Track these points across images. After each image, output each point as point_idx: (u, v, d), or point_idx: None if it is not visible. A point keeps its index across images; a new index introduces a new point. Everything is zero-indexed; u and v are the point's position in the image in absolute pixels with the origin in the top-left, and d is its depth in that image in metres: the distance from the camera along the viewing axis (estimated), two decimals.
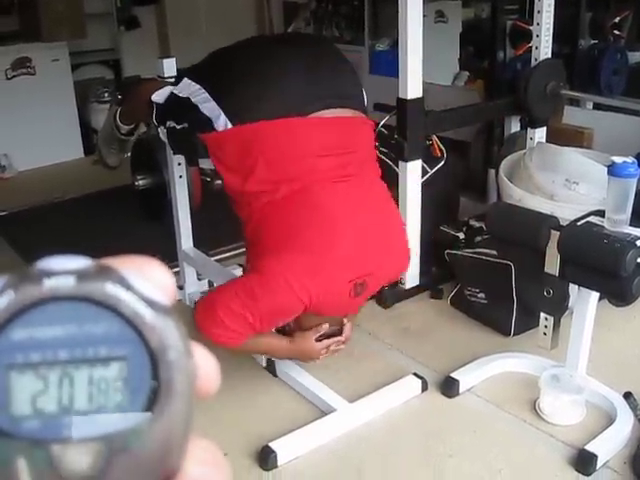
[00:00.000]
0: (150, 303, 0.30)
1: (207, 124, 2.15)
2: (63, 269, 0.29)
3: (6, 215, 4.19)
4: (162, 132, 2.33)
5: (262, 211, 2.16)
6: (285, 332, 2.35)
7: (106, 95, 5.40)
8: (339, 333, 2.36)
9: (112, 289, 0.29)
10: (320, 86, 2.24)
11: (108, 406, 0.29)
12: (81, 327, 0.29)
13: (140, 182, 3.53)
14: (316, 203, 2.14)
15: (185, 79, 2.25)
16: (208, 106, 2.15)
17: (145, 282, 0.30)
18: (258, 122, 2.11)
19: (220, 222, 3.03)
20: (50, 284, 0.29)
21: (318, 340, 2.32)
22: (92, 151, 5.34)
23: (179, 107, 2.25)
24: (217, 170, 2.22)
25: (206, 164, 2.24)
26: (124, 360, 0.29)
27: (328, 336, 2.34)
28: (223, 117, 2.12)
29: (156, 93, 2.31)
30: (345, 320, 2.36)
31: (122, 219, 3.89)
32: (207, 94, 2.16)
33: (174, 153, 2.35)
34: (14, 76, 5.00)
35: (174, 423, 0.30)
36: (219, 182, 2.21)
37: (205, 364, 0.32)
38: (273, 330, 2.29)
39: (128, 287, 0.30)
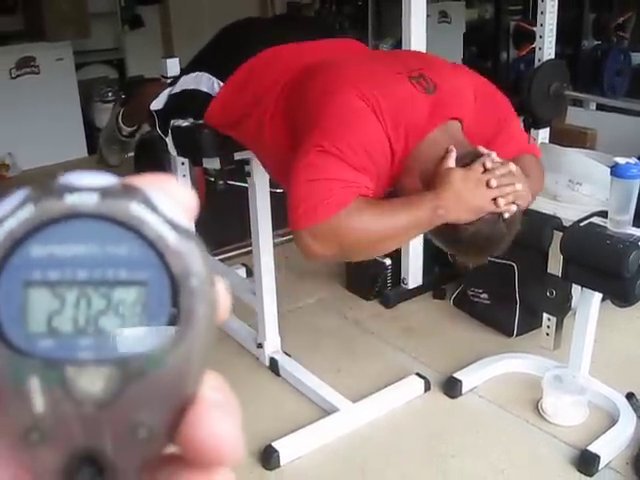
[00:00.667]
0: (175, 226, 0.28)
1: (207, 100, 2.10)
2: (87, 185, 0.28)
3: None
4: (170, 143, 2.31)
5: (276, 105, 1.86)
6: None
7: (110, 94, 5.41)
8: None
9: (137, 209, 0.28)
10: (304, 31, 2.20)
11: (125, 330, 0.28)
12: (102, 247, 0.28)
13: None
14: (324, 68, 1.85)
15: (182, 77, 2.24)
16: (204, 81, 2.11)
17: (171, 204, 0.29)
18: (243, 65, 2.01)
19: (224, 222, 3.05)
20: (72, 200, 0.28)
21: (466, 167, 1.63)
22: (96, 150, 5.34)
23: (179, 103, 2.24)
24: (234, 139, 2.05)
25: (210, 164, 2.24)
26: (144, 284, 0.28)
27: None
28: (216, 82, 2.06)
29: (154, 102, 2.29)
30: (481, 148, 1.69)
31: None
32: (200, 73, 2.12)
33: (178, 155, 2.35)
34: (18, 75, 5.00)
35: (192, 351, 0.29)
36: (221, 182, 2.22)
37: (219, 291, 0.30)
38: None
39: (153, 208, 0.28)
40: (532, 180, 1.78)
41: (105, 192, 0.28)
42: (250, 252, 2.95)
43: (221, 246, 3.35)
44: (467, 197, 1.58)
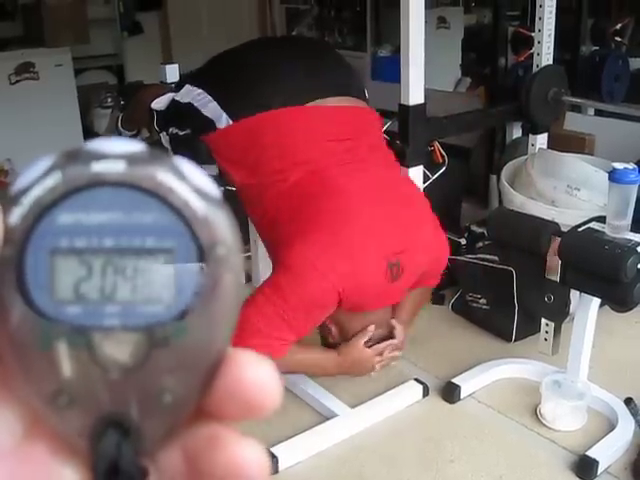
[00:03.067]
0: (202, 194, 0.28)
1: (210, 126, 2.16)
2: (114, 152, 0.28)
3: None
4: (164, 138, 2.35)
5: (276, 202, 2.11)
6: (330, 346, 2.29)
7: (109, 100, 5.42)
8: (389, 337, 2.28)
9: (164, 177, 0.28)
10: (318, 78, 2.26)
11: (151, 298, 0.28)
12: (129, 215, 0.28)
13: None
14: (330, 185, 2.08)
15: (187, 85, 2.26)
16: (210, 107, 2.16)
17: (199, 172, 0.29)
18: (259, 114, 2.12)
19: None
20: (99, 168, 0.28)
21: (368, 347, 2.24)
22: None
23: (181, 113, 2.26)
24: (222, 168, 2.21)
25: (208, 170, 2.24)
26: (171, 252, 0.28)
27: (378, 342, 2.26)
28: (225, 116, 2.13)
29: (156, 100, 2.32)
30: (394, 322, 2.29)
31: None
32: (208, 97, 2.17)
33: None
34: (17, 81, 5.01)
35: (218, 319, 0.29)
36: (221, 188, 2.21)
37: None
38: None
39: (181, 176, 0.28)
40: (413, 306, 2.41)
41: (132, 159, 0.28)
42: (249, 258, 2.96)
43: None
44: (358, 366, 2.26)
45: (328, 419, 2.35)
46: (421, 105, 2.73)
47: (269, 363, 0.30)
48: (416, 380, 2.52)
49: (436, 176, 3.00)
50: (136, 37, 5.79)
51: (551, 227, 2.28)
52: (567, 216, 2.66)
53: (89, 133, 5.39)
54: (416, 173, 2.80)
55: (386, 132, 3.00)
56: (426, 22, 2.73)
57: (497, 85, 3.84)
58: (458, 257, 3.05)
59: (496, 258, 2.81)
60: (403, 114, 2.73)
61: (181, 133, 2.24)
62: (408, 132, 2.71)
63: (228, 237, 0.29)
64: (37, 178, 0.28)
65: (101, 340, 0.28)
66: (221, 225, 0.29)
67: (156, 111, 2.31)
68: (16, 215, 0.28)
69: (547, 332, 2.49)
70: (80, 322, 0.28)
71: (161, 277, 0.28)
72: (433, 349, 2.79)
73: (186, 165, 0.29)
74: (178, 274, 0.28)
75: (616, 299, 2.19)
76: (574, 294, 2.28)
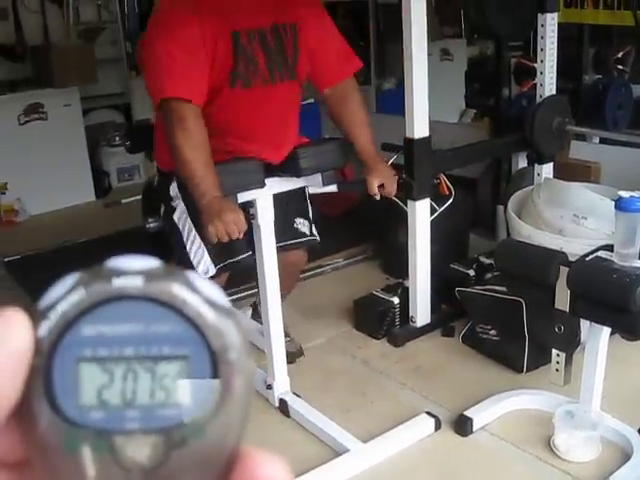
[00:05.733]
0: (213, 305, 0.31)
1: None
2: (132, 269, 0.31)
3: (19, 259, 4.22)
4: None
5: None
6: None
7: (117, 139, 5.47)
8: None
9: (178, 290, 0.31)
10: None
11: (169, 402, 0.31)
12: (147, 326, 0.31)
13: (151, 225, 3.54)
14: None
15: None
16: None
17: (209, 285, 0.32)
18: None
19: None
20: (119, 283, 0.31)
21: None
22: (103, 194, 5.40)
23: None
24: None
25: None
26: (186, 359, 0.31)
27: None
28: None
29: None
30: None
31: None
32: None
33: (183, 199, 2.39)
34: (27, 121, 5.07)
35: (231, 419, 0.31)
36: None
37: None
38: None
39: (193, 289, 0.31)
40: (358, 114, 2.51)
41: (149, 275, 0.31)
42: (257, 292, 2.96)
43: (230, 286, 3.34)
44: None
45: (340, 454, 2.34)
46: (426, 138, 2.76)
47: (282, 462, 0.32)
48: (428, 413, 2.51)
49: (443, 208, 3.01)
50: (143, 76, 5.84)
51: (559, 257, 2.28)
52: (575, 245, 2.66)
53: (98, 171, 5.44)
54: (423, 206, 2.81)
55: (392, 165, 3.02)
56: (430, 54, 2.76)
57: (501, 116, 3.86)
58: (467, 289, 3.05)
59: (505, 289, 2.81)
60: (408, 148, 2.75)
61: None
62: (414, 166, 2.73)
63: (238, 342, 0.31)
64: (63, 294, 0.31)
65: (123, 443, 0.30)
66: (231, 332, 0.31)
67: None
68: (44, 328, 0.30)
69: (558, 362, 2.47)
70: (103, 426, 0.30)
71: (178, 382, 0.31)
72: (444, 381, 2.78)
73: (198, 279, 0.32)
74: (193, 378, 0.31)
75: (626, 328, 2.18)
76: (584, 323, 2.28)
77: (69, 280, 0.31)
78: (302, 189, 2.49)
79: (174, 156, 2.18)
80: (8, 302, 0.31)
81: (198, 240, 2.41)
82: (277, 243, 2.42)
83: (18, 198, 5.05)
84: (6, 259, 4.18)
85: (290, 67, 2.34)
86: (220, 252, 2.42)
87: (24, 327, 0.30)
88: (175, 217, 2.45)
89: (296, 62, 2.35)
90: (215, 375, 0.31)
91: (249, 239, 2.39)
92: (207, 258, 2.42)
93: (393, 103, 4.86)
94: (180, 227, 2.44)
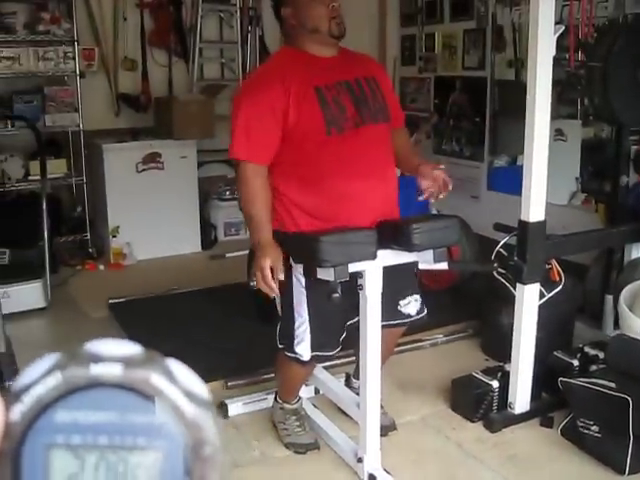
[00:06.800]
0: (191, 397, 0.30)
1: None
2: (111, 355, 0.30)
3: (123, 302, 4.34)
4: None
5: None
6: None
7: (227, 193, 5.61)
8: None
9: (157, 380, 0.30)
10: None
11: None
12: (123, 415, 0.30)
13: (254, 282, 3.59)
14: None
15: None
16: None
17: (189, 374, 0.31)
18: None
19: None
20: (97, 370, 0.30)
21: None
22: (209, 246, 5.52)
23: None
24: None
25: (324, 274, 2.26)
26: (161, 451, 0.30)
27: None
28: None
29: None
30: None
31: (234, 316, 3.97)
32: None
33: (295, 262, 2.40)
34: (144, 170, 5.27)
35: None
36: (336, 295, 2.23)
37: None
38: None
39: (172, 379, 0.30)
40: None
41: (128, 362, 0.30)
42: (352, 362, 2.94)
43: None
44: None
45: None
46: (541, 223, 2.71)
47: None
48: None
49: (551, 294, 2.93)
50: None
51: None
52: None
53: (206, 224, 5.57)
54: (532, 290, 2.75)
55: (503, 246, 2.98)
56: None
57: (618, 203, 3.76)
58: (571, 379, 2.94)
59: (612, 385, 2.70)
60: (522, 230, 2.70)
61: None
62: (526, 249, 2.68)
63: (214, 437, 0.31)
64: (39, 377, 0.30)
65: None
66: (208, 426, 0.30)
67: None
68: (17, 412, 0.30)
69: None
70: None
71: (149, 474, 0.30)
72: (539, 474, 2.67)
73: (178, 368, 0.31)
74: (166, 472, 0.30)
75: None
76: None
77: (46, 362, 0.31)
78: (412, 264, 2.48)
79: (240, 202, 2.52)
80: None
81: (307, 323, 2.46)
82: (383, 321, 2.42)
83: (128, 242, 5.22)
84: (110, 301, 4.31)
85: (382, 109, 2.50)
86: (319, 341, 2.49)
87: None
88: (294, 278, 2.46)
89: (385, 104, 2.52)
90: (188, 471, 0.30)
91: (340, 335, 2.52)
92: (308, 344, 2.47)
93: (505, 181, 4.84)
94: (294, 299, 2.47)
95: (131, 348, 0.31)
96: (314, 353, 2.50)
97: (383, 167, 2.51)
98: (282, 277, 2.33)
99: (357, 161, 2.42)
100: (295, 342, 2.49)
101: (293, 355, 2.51)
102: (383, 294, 2.34)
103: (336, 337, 2.52)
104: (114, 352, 0.31)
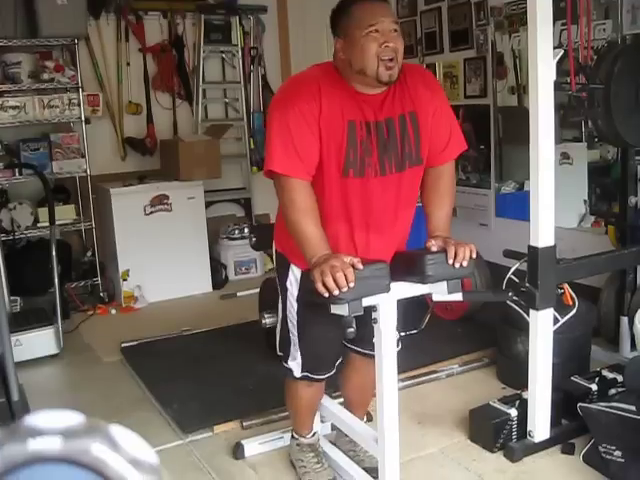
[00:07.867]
0: (137, 464, 0.29)
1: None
2: (50, 428, 0.29)
3: (136, 345, 4.32)
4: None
5: None
6: None
7: (236, 232, 5.62)
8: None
9: (98, 450, 0.29)
10: None
11: None
12: None
13: (267, 320, 3.58)
14: None
15: None
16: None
17: (134, 439, 0.30)
18: None
19: None
20: (35, 445, 0.29)
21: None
22: (220, 285, 5.52)
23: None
24: None
25: (338, 310, 2.24)
26: None
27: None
28: None
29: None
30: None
31: (247, 355, 3.95)
32: None
33: (306, 297, 2.39)
34: (152, 212, 5.29)
35: None
36: (351, 330, 2.20)
37: None
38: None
39: (115, 447, 0.29)
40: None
41: (68, 433, 0.29)
42: None
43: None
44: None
45: None
46: (551, 247, 2.69)
47: None
48: None
49: (566, 319, 2.91)
50: None
51: None
52: None
53: (217, 263, 5.57)
54: (546, 316, 2.72)
55: (514, 273, 2.96)
56: None
57: (627, 224, 3.74)
58: (590, 405, 2.91)
59: (633, 408, 2.66)
60: (532, 256, 2.69)
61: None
62: (538, 275, 2.66)
63: None
64: None
65: None
66: None
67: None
68: None
69: None
70: None
71: None
72: None
73: (122, 434, 0.30)
74: None
75: None
76: None
77: None
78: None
79: (285, 223, 2.25)
80: None
81: (297, 340, 2.48)
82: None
83: (138, 285, 5.22)
84: (123, 344, 4.30)
85: (411, 154, 2.31)
86: (309, 364, 2.51)
87: None
88: (288, 301, 2.47)
89: (419, 146, 2.32)
90: None
91: (335, 359, 2.55)
92: (299, 361, 2.50)
93: (513, 207, 4.83)
94: (289, 315, 2.48)
95: (72, 418, 0.30)
96: (303, 374, 2.53)
97: (394, 215, 2.37)
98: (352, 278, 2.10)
99: (366, 209, 2.32)
100: (289, 357, 2.54)
101: (287, 367, 2.55)
102: (366, 323, 2.31)
103: (329, 361, 2.54)
104: (53, 424, 0.30)
